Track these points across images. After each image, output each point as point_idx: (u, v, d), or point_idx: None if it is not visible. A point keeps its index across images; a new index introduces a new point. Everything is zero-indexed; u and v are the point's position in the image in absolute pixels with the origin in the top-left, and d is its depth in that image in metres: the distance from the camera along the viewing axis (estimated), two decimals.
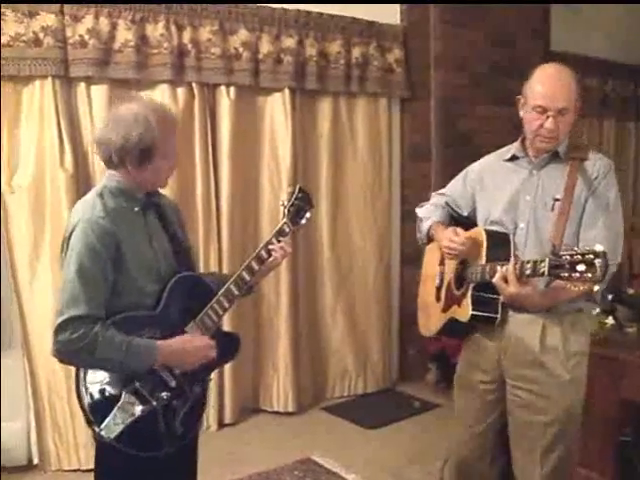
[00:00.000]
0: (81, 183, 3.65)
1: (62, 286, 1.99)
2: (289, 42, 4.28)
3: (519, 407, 2.41)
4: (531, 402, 2.37)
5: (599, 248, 1.86)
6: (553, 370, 2.34)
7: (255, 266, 2.30)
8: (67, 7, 3.58)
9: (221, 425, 4.23)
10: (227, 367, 4.16)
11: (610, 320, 3.42)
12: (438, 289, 2.68)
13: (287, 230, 2.40)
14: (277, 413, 4.44)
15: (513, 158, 2.50)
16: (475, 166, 2.68)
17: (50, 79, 3.57)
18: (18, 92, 3.57)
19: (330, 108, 4.58)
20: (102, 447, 2.08)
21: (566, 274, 1.91)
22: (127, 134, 1.98)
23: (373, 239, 4.75)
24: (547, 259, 2.00)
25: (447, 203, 2.71)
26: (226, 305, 2.23)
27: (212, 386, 4.11)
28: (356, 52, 4.56)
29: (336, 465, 3.65)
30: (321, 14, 4.39)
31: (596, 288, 1.92)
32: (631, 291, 3.90)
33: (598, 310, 2.47)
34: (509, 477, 2.56)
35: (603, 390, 3.13)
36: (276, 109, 4.35)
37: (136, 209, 2.11)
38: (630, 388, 3.10)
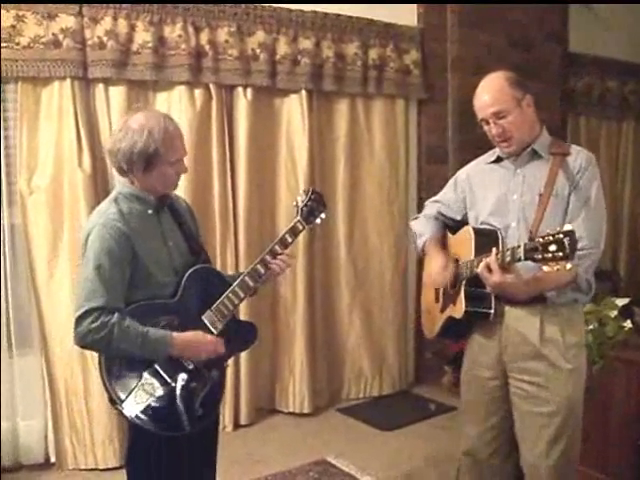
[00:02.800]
0: (98, 183, 3.69)
1: (81, 284, 2.14)
2: (306, 43, 4.29)
3: (523, 400, 2.44)
4: (535, 394, 2.40)
5: (567, 227, 1.96)
6: (554, 361, 2.38)
7: (269, 259, 2.43)
8: (86, 9, 3.62)
9: (237, 426, 4.23)
10: (243, 368, 4.20)
11: (628, 324, 3.40)
12: (437, 290, 2.75)
13: (300, 228, 2.54)
14: (293, 414, 4.44)
15: (497, 160, 2.58)
16: (463, 171, 2.77)
17: (69, 80, 3.60)
18: (37, 93, 3.61)
19: (347, 109, 4.58)
20: (130, 426, 2.22)
21: (540, 256, 2.00)
22: (133, 144, 2.15)
23: (390, 241, 4.74)
24: (523, 244, 2.11)
25: (440, 212, 2.78)
26: (241, 295, 2.36)
27: (228, 387, 4.13)
28: (373, 54, 4.56)
29: (351, 467, 3.65)
30: (338, 16, 4.40)
31: (568, 266, 1.97)
32: None
33: (588, 299, 2.51)
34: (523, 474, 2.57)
35: (621, 394, 3.12)
36: (293, 110, 4.36)
37: (149, 212, 2.26)
38: None
